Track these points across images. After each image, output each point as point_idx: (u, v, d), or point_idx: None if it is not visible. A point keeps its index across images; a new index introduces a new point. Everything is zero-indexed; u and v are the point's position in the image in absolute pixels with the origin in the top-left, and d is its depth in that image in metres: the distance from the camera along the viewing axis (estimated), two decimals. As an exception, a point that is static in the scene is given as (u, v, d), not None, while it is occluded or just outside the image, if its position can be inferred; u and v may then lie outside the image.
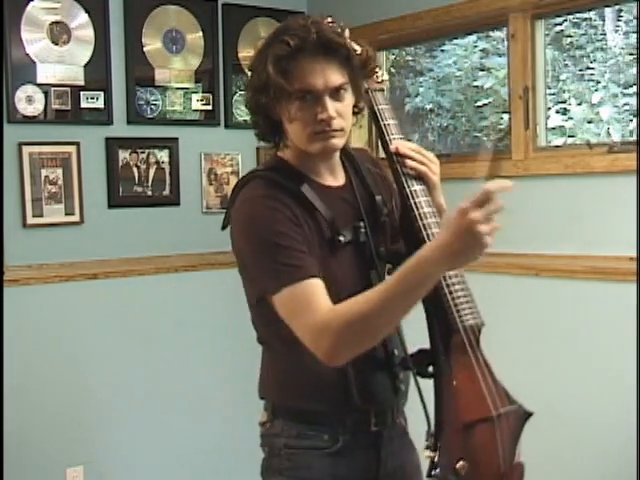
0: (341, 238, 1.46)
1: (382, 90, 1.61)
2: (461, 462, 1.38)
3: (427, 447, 1.42)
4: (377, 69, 1.59)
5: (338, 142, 1.46)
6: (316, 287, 1.38)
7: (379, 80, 1.60)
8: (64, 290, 2.91)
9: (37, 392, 2.86)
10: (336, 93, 1.42)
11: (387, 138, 1.56)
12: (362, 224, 1.50)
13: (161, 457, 3.13)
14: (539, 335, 2.73)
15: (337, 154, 1.55)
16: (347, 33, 1.49)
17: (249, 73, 1.53)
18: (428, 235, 1.46)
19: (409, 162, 1.51)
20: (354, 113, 1.52)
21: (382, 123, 1.56)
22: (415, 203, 1.49)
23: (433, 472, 1.39)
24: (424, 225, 1.47)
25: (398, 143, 1.53)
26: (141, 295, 3.09)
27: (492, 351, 2.94)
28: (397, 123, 1.59)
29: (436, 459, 1.40)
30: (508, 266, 2.77)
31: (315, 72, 1.40)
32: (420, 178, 1.52)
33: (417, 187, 1.51)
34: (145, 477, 3.10)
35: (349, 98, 1.46)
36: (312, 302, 1.36)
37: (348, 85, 1.45)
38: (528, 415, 1.52)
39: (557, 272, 2.64)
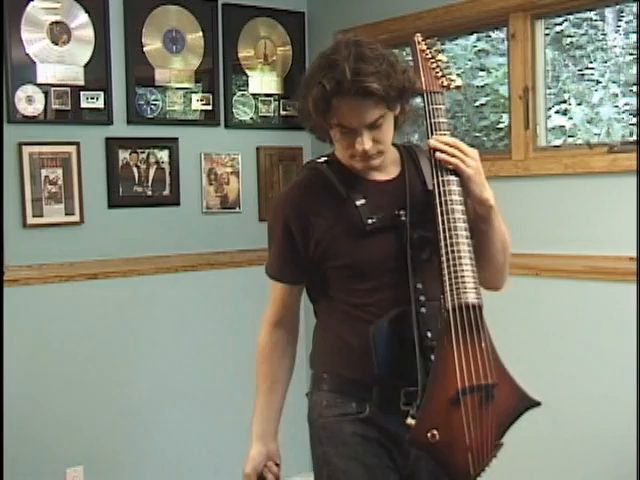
0: (369, 221, 1.58)
1: (441, 93, 1.64)
2: (434, 431, 1.48)
3: (411, 416, 1.51)
4: (447, 76, 1.65)
5: (377, 162, 1.60)
6: (276, 287, 1.71)
7: (445, 84, 1.65)
8: (64, 290, 2.91)
9: (37, 392, 2.87)
10: (373, 124, 1.54)
11: (431, 134, 1.61)
12: (402, 212, 1.59)
13: (161, 457, 3.13)
14: (539, 335, 2.73)
15: (387, 157, 1.65)
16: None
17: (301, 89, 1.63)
18: (443, 222, 1.54)
19: (438, 154, 1.56)
20: (401, 118, 1.63)
21: (430, 121, 1.62)
22: (439, 192, 1.56)
23: (407, 436, 1.51)
24: (441, 212, 1.55)
25: (433, 137, 1.59)
26: (141, 295, 3.10)
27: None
28: (447, 122, 1.64)
29: (413, 426, 1.50)
30: (508, 266, 2.76)
31: (351, 112, 1.52)
32: (454, 170, 1.57)
33: (447, 177, 1.57)
34: (145, 477, 3.11)
35: (388, 122, 1.58)
36: (270, 295, 1.72)
37: (385, 115, 1.55)
38: (531, 403, 1.59)
39: (557, 272, 2.65)
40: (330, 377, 1.69)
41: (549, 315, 2.71)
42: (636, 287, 2.42)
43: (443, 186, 1.56)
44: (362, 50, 1.52)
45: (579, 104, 2.77)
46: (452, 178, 1.57)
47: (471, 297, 1.51)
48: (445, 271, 1.52)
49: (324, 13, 3.42)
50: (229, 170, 3.30)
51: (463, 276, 1.52)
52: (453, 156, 1.56)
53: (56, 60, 2.88)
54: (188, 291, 3.19)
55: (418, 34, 1.70)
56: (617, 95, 2.66)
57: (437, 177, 1.57)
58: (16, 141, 2.80)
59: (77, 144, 2.93)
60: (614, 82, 2.67)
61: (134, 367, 3.08)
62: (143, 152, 3.09)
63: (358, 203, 1.60)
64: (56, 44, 2.88)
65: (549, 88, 2.81)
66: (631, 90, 2.58)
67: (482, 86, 3.08)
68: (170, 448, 3.14)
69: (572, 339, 2.65)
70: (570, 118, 2.79)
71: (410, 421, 1.50)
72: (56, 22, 2.87)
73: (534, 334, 2.75)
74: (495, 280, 1.77)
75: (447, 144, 1.56)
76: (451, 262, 1.52)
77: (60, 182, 2.90)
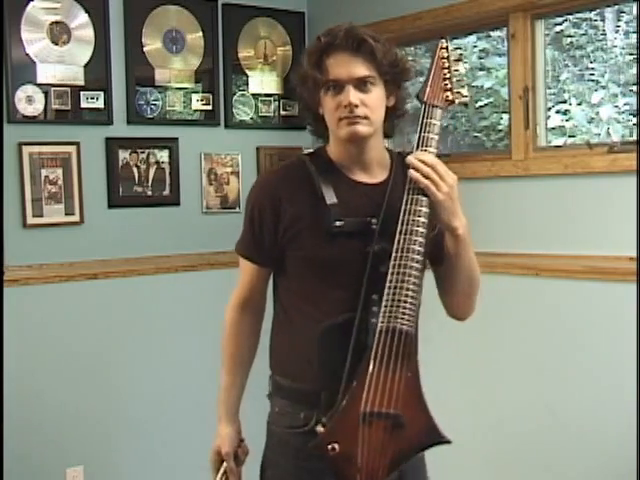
0: (336, 224, 1.59)
1: (442, 108, 1.62)
2: (335, 444, 1.51)
3: (322, 424, 1.54)
4: (456, 90, 1.63)
5: (362, 129, 1.59)
6: (245, 265, 1.74)
7: (450, 98, 1.62)
8: (64, 290, 2.92)
9: (37, 392, 2.88)
10: (361, 85, 1.57)
11: (417, 148, 1.60)
12: (374, 220, 1.59)
13: (162, 457, 3.14)
14: (539, 334, 2.74)
15: (376, 155, 1.66)
16: None
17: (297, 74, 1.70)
18: (399, 241, 1.53)
19: (412, 172, 1.54)
20: (394, 115, 1.67)
21: (420, 134, 1.60)
22: (405, 210, 1.55)
23: (311, 442, 1.55)
24: (400, 231, 1.54)
25: (414, 154, 1.57)
26: (141, 295, 3.11)
27: (492, 350, 2.95)
28: (437, 139, 1.60)
29: (320, 434, 1.54)
30: (508, 266, 2.78)
31: (341, 65, 1.58)
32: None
33: (417, 197, 1.55)
34: (145, 477, 3.11)
35: (377, 92, 1.60)
36: (240, 275, 1.75)
37: (375, 79, 1.59)
38: (441, 439, 1.55)
39: (557, 272, 2.65)
40: (282, 382, 1.71)
41: (549, 315, 2.71)
42: (636, 287, 2.42)
43: (411, 204, 1.55)
44: (356, 25, 1.63)
45: (579, 104, 2.78)
46: (422, 198, 1.54)
47: (404, 323, 1.50)
48: (386, 291, 1.52)
49: (324, 13, 3.43)
50: (229, 170, 3.30)
51: (401, 300, 1.51)
52: (427, 177, 1.52)
53: (56, 60, 2.89)
54: (188, 291, 3.20)
55: (443, 40, 1.66)
56: (617, 95, 2.66)
57: (408, 194, 1.55)
58: (16, 141, 2.81)
59: (77, 144, 2.94)
60: (614, 82, 2.67)
61: (134, 367, 3.09)
62: (143, 152, 3.10)
63: (330, 202, 1.61)
64: (56, 44, 2.89)
65: (549, 88, 2.81)
66: (631, 90, 2.59)
67: (482, 87, 3.08)
68: (172, 447, 3.15)
69: (572, 338, 2.65)
70: (570, 118, 2.80)
71: (319, 429, 1.53)
72: (56, 22, 2.88)
73: (534, 334, 2.75)
74: (457, 308, 1.76)
75: (424, 163, 1.53)
76: (394, 283, 1.51)
77: (60, 182, 2.91)
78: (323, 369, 1.56)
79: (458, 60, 1.65)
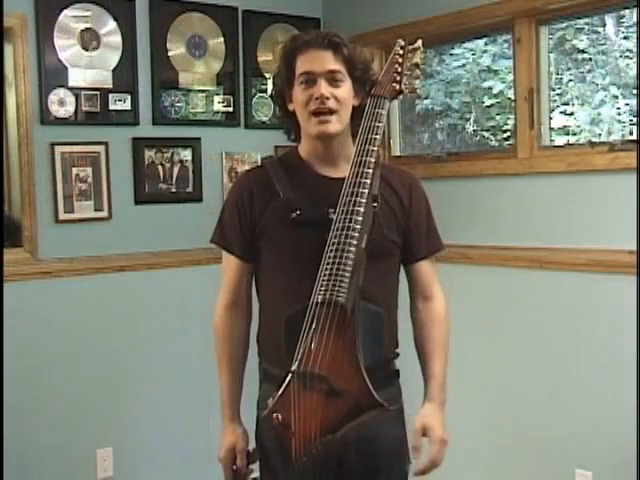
0: (293, 215, 1.64)
1: (390, 98, 1.70)
2: (278, 414, 1.53)
3: (273, 397, 1.55)
4: (405, 82, 1.70)
5: (332, 127, 1.66)
6: (228, 260, 1.78)
7: (397, 89, 1.69)
8: (94, 282, 2.97)
9: (68, 378, 2.94)
10: (332, 79, 1.64)
11: (362, 135, 1.66)
12: (331, 210, 1.62)
13: (188, 439, 3.19)
14: (543, 324, 2.77)
15: (343, 151, 1.72)
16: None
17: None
18: (337, 220, 1.59)
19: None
20: (359, 115, 1.69)
21: (368, 123, 1.66)
22: (350, 182, 1.62)
23: (261, 417, 1.58)
24: (339, 211, 1.61)
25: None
26: (166, 287, 3.15)
27: (498, 339, 2.97)
28: (382, 127, 1.67)
29: (269, 407, 1.56)
30: (514, 259, 2.81)
31: (313, 59, 1.65)
32: (376, 150, 1.64)
33: (365, 170, 1.62)
34: (171, 459, 3.18)
35: (346, 87, 1.66)
36: (223, 271, 1.79)
37: (345, 76, 1.66)
38: (376, 403, 1.54)
39: (560, 264, 2.68)
40: (265, 367, 1.75)
41: (552, 305, 2.73)
42: (636, 279, 2.46)
43: (357, 177, 1.60)
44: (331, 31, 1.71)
45: (581, 105, 2.79)
46: (369, 171, 1.60)
47: (340, 296, 1.52)
48: (325, 266, 1.55)
49: (338, 19, 3.46)
50: (249, 168, 3.37)
51: (338, 275, 1.53)
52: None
53: (86, 65, 2.95)
54: (210, 283, 3.17)
55: (400, 40, 1.75)
56: (617, 97, 2.68)
57: (354, 167, 1.61)
58: (49, 141, 2.87)
59: (106, 144, 2.99)
60: (614, 84, 2.68)
61: (160, 354, 3.14)
62: (167, 151, 3.15)
63: (285, 197, 1.66)
64: (86, 50, 2.95)
65: (553, 90, 2.82)
66: (632, 93, 2.61)
67: (489, 88, 3.10)
68: (197, 431, 3.18)
69: (575, 328, 2.67)
70: (574, 119, 2.81)
71: (269, 401, 1.55)
72: (86, 29, 2.95)
73: (538, 323, 2.78)
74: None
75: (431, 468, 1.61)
76: (332, 259, 1.54)
77: (90, 180, 2.96)
78: (289, 353, 1.55)
79: (416, 55, 1.72)
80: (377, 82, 1.72)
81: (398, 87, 1.70)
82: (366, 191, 1.60)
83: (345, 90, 1.66)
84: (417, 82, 1.73)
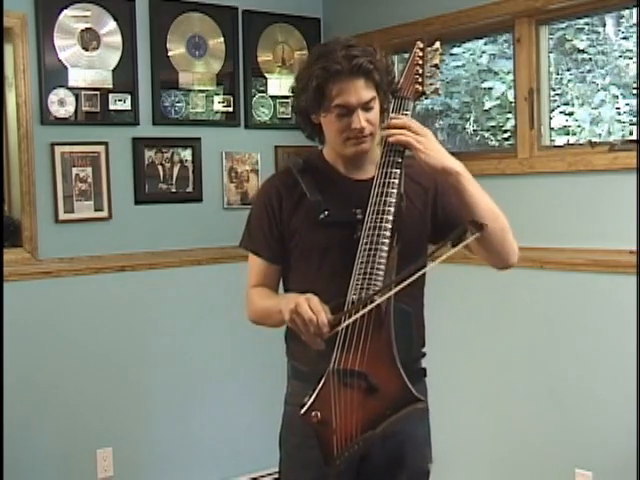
0: (321, 216, 1.67)
1: (411, 99, 1.71)
2: (317, 412, 1.55)
3: (309, 395, 1.57)
4: (427, 82, 1.71)
5: (367, 146, 1.69)
6: (255, 263, 1.79)
7: (420, 90, 1.70)
8: (93, 281, 2.99)
9: (67, 378, 2.95)
10: (366, 105, 1.65)
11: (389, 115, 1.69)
12: (358, 211, 1.65)
13: (188, 439, 3.20)
14: (543, 323, 2.77)
15: (369, 155, 1.74)
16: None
17: (294, 83, 1.75)
18: (369, 221, 1.59)
19: (389, 136, 1.61)
20: (381, 114, 1.71)
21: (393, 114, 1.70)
22: (379, 183, 1.62)
23: (299, 414, 1.57)
24: (371, 211, 1.61)
25: (387, 122, 1.64)
26: (166, 287, 3.16)
27: (499, 338, 2.97)
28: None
29: (307, 405, 1.57)
30: None
31: (348, 92, 1.63)
32: (402, 150, 1.63)
33: (392, 170, 1.62)
34: (171, 458, 3.18)
35: (377, 107, 1.68)
36: (250, 273, 1.80)
37: (375, 99, 1.66)
38: (415, 399, 1.56)
39: (560, 264, 2.69)
40: (294, 365, 1.77)
41: (553, 305, 2.74)
42: (636, 279, 2.47)
43: (385, 177, 1.61)
44: (348, 39, 1.68)
45: (581, 105, 2.80)
46: (396, 159, 1.62)
47: (377, 296, 1.53)
48: (358, 265, 1.57)
49: (339, 19, 3.47)
50: (249, 168, 3.36)
51: (373, 273, 1.55)
52: (402, 132, 1.60)
53: (86, 65, 2.96)
54: (210, 282, 3.24)
55: (419, 42, 1.77)
56: (617, 97, 2.68)
57: (382, 167, 1.62)
58: (49, 141, 2.88)
59: (106, 144, 3.00)
60: (614, 84, 2.69)
61: (160, 354, 3.15)
62: (167, 151, 3.16)
63: (313, 198, 1.69)
64: (86, 50, 2.96)
65: (553, 90, 2.83)
66: (632, 93, 2.61)
67: (490, 88, 3.11)
68: (198, 431, 3.20)
69: (575, 328, 2.68)
70: (574, 119, 2.82)
71: (306, 399, 1.56)
72: (86, 29, 2.96)
73: (538, 322, 2.79)
74: (503, 255, 1.76)
75: (396, 127, 1.61)
76: (365, 258, 1.56)
77: (90, 180, 2.97)
78: (319, 352, 1.57)
79: (436, 56, 1.73)
80: (399, 84, 1.73)
81: (421, 88, 1.72)
82: (395, 191, 1.62)
83: (376, 110, 1.68)
84: (438, 83, 1.75)
